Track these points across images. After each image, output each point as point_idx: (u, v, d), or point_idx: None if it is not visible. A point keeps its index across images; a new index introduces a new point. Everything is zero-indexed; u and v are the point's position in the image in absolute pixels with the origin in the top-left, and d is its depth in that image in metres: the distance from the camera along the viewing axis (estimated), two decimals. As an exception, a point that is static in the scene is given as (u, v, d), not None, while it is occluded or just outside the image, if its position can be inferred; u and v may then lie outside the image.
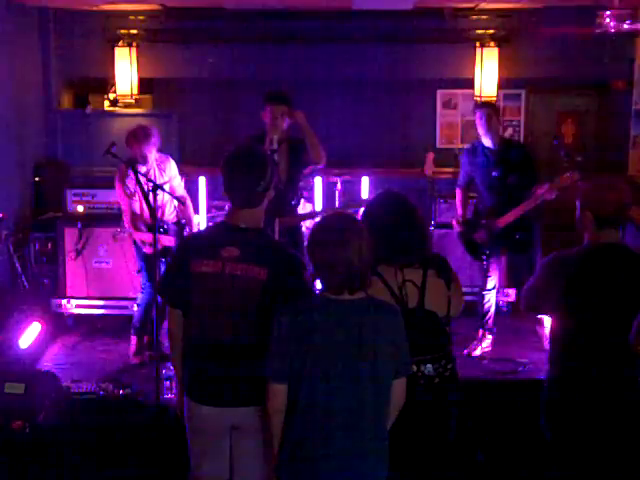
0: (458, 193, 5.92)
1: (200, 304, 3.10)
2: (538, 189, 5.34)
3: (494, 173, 5.53)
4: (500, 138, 5.65)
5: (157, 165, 5.50)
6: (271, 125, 5.04)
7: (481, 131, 5.57)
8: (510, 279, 6.45)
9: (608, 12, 5.64)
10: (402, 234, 3.20)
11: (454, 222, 5.87)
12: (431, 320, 3.20)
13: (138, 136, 5.33)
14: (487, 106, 5.80)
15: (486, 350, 5.77)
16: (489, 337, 5.80)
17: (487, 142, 5.57)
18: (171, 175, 5.59)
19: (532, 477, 4.18)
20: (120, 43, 7.93)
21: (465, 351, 5.72)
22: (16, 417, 4.47)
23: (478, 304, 5.83)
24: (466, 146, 6.00)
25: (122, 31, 7.96)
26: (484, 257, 5.72)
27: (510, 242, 5.63)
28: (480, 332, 5.81)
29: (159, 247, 5.16)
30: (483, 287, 5.78)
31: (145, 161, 5.36)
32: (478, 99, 8.13)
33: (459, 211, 5.90)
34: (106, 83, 8.14)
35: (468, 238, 5.77)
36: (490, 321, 5.80)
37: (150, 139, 5.35)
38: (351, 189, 6.59)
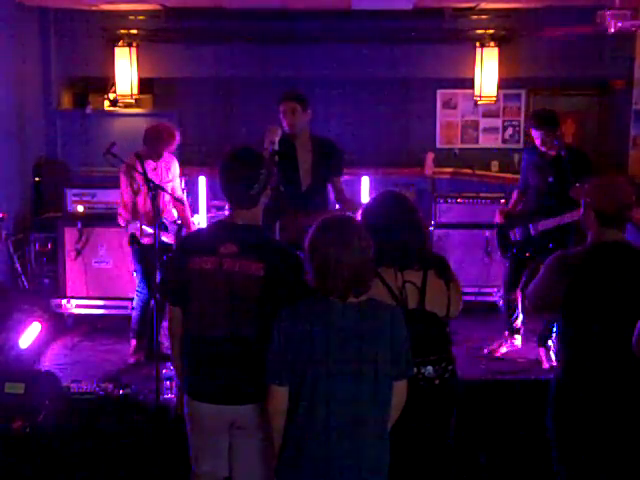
0: (515, 192, 5.77)
1: (199, 301, 3.10)
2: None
3: (549, 179, 5.36)
4: (561, 145, 5.34)
5: (165, 163, 5.55)
6: (284, 122, 4.87)
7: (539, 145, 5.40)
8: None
9: (608, 12, 5.64)
10: (402, 235, 3.19)
11: (497, 211, 5.75)
12: (431, 321, 3.20)
13: (163, 137, 5.42)
14: (542, 129, 5.30)
15: (507, 351, 5.70)
16: (517, 337, 5.73)
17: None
18: (174, 175, 5.65)
19: (533, 477, 4.18)
20: (120, 43, 7.94)
21: (485, 350, 5.69)
22: (16, 417, 4.46)
23: (504, 305, 5.79)
24: (526, 146, 5.81)
25: (122, 31, 7.97)
26: (509, 254, 5.63)
27: (542, 249, 5.39)
28: (506, 333, 5.74)
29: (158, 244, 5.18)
30: (510, 288, 5.67)
31: (158, 159, 5.46)
32: (478, 99, 8.14)
33: (509, 205, 5.79)
34: (106, 83, 8.14)
35: (504, 231, 5.65)
36: (517, 322, 5.72)
37: (174, 139, 5.47)
38: (351, 189, 6.59)
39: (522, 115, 8.55)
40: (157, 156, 5.46)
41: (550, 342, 5.53)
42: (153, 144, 5.42)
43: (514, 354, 5.72)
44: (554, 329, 5.48)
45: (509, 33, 8.04)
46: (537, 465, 3.98)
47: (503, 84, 8.11)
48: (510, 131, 8.56)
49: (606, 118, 8.50)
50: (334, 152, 4.99)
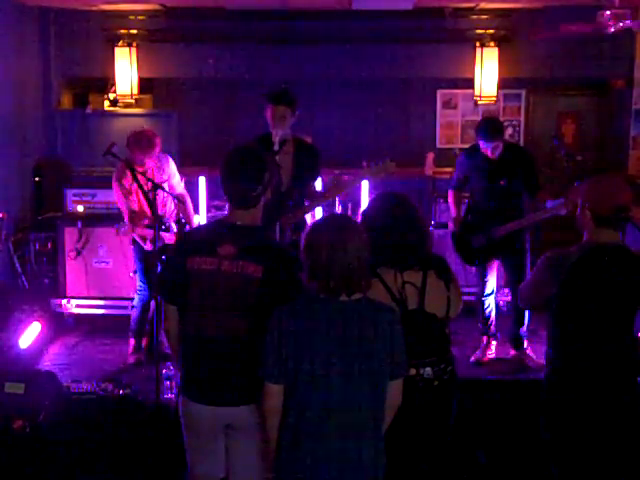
0: (451, 194, 5.78)
1: (196, 301, 3.09)
2: (548, 201, 5.19)
3: (502, 182, 5.36)
4: (505, 147, 5.38)
5: (155, 164, 5.50)
6: (272, 125, 4.93)
7: (488, 154, 5.37)
8: (506, 279, 6.40)
9: (608, 12, 5.64)
10: (402, 236, 3.20)
11: (450, 223, 5.75)
12: (431, 322, 3.19)
13: (142, 145, 5.30)
14: (496, 139, 5.30)
15: (491, 356, 5.70)
16: (494, 343, 5.74)
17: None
18: (170, 173, 5.58)
19: (532, 477, 4.18)
20: (120, 43, 7.94)
21: (472, 359, 5.64)
22: (16, 417, 4.46)
23: (478, 310, 5.75)
24: (465, 147, 5.87)
25: (122, 31, 7.97)
26: (476, 261, 5.62)
27: (507, 250, 5.49)
28: (485, 339, 5.73)
29: (160, 244, 5.17)
30: (482, 293, 5.69)
31: (143, 165, 5.35)
32: (478, 99, 8.14)
33: (453, 212, 5.77)
34: (106, 83, 8.14)
35: (464, 240, 5.61)
36: (492, 327, 5.73)
37: (154, 149, 5.35)
38: (351, 189, 6.58)
39: (522, 115, 8.55)
40: (140, 162, 5.31)
41: (525, 343, 5.61)
42: (133, 150, 5.31)
43: (514, 355, 5.72)
44: (522, 329, 5.56)
45: (509, 33, 8.04)
46: (536, 465, 3.98)
47: (503, 84, 8.11)
48: (510, 131, 8.55)
49: (606, 118, 8.51)
50: (314, 158, 5.01)
